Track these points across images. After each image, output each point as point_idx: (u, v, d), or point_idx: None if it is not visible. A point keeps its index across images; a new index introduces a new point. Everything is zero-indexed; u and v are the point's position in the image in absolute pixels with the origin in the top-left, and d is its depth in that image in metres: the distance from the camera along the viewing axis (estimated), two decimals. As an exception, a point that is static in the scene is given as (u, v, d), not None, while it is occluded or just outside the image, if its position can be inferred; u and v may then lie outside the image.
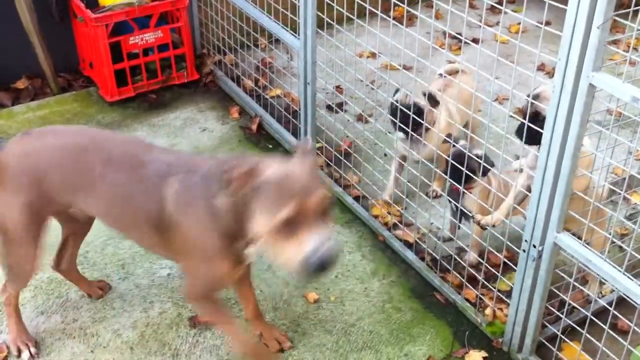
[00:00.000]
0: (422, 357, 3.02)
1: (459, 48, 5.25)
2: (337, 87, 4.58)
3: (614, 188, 2.95)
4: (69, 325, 3.11)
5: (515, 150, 3.35)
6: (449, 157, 3.22)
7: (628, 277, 2.44)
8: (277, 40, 4.44)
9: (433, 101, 3.49)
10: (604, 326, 2.66)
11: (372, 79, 4.41)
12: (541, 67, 4.92)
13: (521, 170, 3.17)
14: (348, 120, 4.08)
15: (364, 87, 4.29)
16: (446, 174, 3.21)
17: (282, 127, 4.38)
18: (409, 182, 3.51)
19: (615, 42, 2.43)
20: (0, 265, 2.83)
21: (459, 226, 3.44)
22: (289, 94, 4.61)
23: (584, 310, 2.81)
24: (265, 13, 4.17)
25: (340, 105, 4.41)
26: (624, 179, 3.49)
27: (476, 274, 3.16)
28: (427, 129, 3.47)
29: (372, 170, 3.79)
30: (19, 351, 2.95)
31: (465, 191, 3.21)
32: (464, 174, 3.05)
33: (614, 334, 2.67)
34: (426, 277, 3.39)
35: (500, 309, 3.14)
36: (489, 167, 3.19)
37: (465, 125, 3.68)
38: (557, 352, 2.88)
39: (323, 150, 4.13)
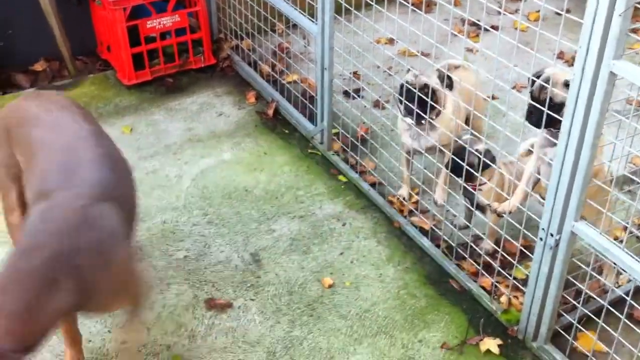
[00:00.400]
0: (436, 344, 3.03)
1: (477, 35, 5.22)
2: (354, 73, 4.57)
3: (634, 177, 2.93)
4: (86, 306, 3.14)
5: (532, 136, 3.33)
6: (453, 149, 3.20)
7: (646, 266, 2.43)
8: (295, 26, 4.44)
9: (448, 82, 3.45)
10: (620, 316, 2.65)
11: (389, 65, 4.40)
12: (560, 55, 4.88)
13: (530, 153, 3.16)
14: (365, 107, 4.07)
15: (381, 73, 4.28)
16: (449, 169, 3.21)
17: (299, 113, 4.39)
18: (425, 168, 3.51)
19: (635, 31, 2.42)
20: None
21: (473, 214, 3.44)
22: (305, 79, 4.61)
23: (600, 300, 2.81)
24: (283, -2, 4.16)
25: (357, 91, 4.41)
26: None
27: (492, 262, 3.16)
28: (437, 114, 3.42)
29: (389, 156, 3.79)
30: None
31: (476, 190, 3.21)
32: (464, 170, 3.04)
33: (630, 324, 2.66)
34: (441, 264, 3.40)
35: (516, 297, 3.14)
36: (489, 162, 3.17)
37: (467, 121, 3.67)
38: (573, 341, 2.87)
39: (339, 136, 4.13)
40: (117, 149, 2.61)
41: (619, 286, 3.16)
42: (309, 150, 4.20)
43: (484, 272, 3.22)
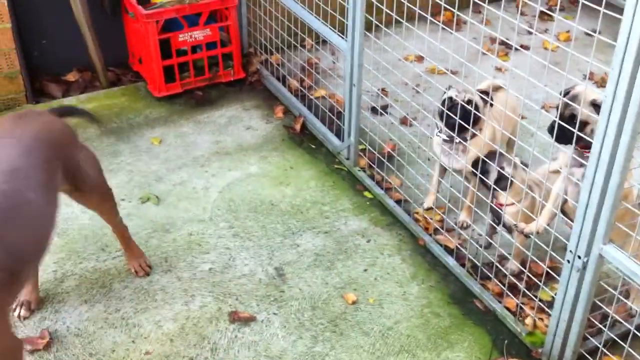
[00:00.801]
0: (459, 364, 3.01)
1: (506, 54, 5.20)
2: (382, 90, 4.58)
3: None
4: (111, 315, 3.16)
5: (561, 159, 3.32)
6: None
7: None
8: (324, 41, 4.46)
9: (488, 101, 3.43)
10: (647, 341, 2.62)
11: (417, 83, 4.40)
12: (590, 77, 4.85)
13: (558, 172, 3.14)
14: (392, 123, 4.08)
15: (409, 90, 4.29)
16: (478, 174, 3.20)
17: (326, 128, 4.40)
18: (451, 187, 3.50)
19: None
20: None
21: (497, 232, 3.42)
22: (333, 95, 4.63)
23: (626, 324, 2.77)
24: (313, 14, 4.20)
25: (384, 107, 4.41)
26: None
27: (517, 283, 3.14)
28: (472, 136, 3.42)
29: (415, 173, 3.79)
30: None
31: (502, 208, 3.20)
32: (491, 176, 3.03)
33: (658, 350, 2.63)
34: (466, 284, 3.38)
35: (541, 319, 3.11)
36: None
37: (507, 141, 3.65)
38: (598, 365, 2.85)
39: (366, 152, 4.14)
40: (31, 195, 2.42)
41: (646, 311, 3.12)
42: (335, 166, 4.21)
43: (508, 293, 3.19)
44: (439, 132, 3.48)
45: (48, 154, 2.57)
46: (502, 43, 5.24)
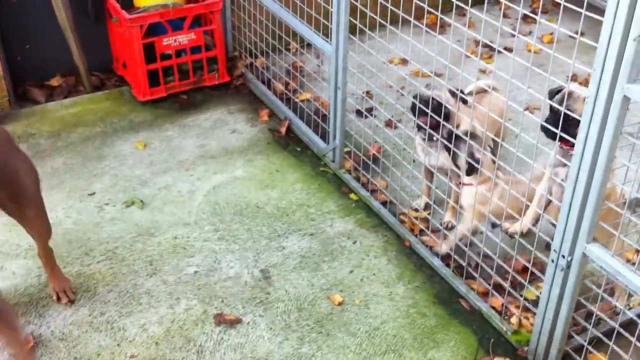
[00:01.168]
0: (445, 364, 3.02)
1: (490, 57, 5.23)
2: (367, 93, 4.60)
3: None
4: (96, 319, 3.15)
5: (545, 160, 3.34)
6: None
7: (658, 289, 2.42)
8: (309, 45, 4.47)
9: (462, 100, 3.45)
10: (631, 338, 2.63)
11: (402, 85, 4.41)
12: (573, 78, 4.89)
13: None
14: (377, 126, 4.09)
15: (393, 92, 4.31)
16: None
17: (311, 131, 4.41)
18: (436, 188, 3.51)
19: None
20: None
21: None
22: (318, 98, 4.64)
23: (611, 322, 2.79)
24: (298, 17, 4.20)
25: (369, 110, 4.43)
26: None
27: (502, 282, 3.15)
28: (449, 133, 3.42)
29: (400, 175, 3.80)
30: None
31: (460, 187, 3.34)
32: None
33: (642, 347, 2.64)
34: (452, 284, 3.39)
35: (526, 318, 3.12)
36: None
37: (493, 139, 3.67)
38: (583, 363, 2.86)
39: (351, 154, 4.14)
40: None
41: (630, 308, 3.14)
42: (321, 169, 4.21)
43: (494, 292, 3.21)
44: (418, 131, 3.51)
45: None
46: (486, 45, 5.27)
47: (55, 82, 4.89)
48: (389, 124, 4.40)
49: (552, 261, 2.78)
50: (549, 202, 3.10)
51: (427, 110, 3.31)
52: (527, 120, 3.20)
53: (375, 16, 3.59)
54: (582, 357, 2.87)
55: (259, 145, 4.41)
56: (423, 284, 3.41)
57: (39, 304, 3.20)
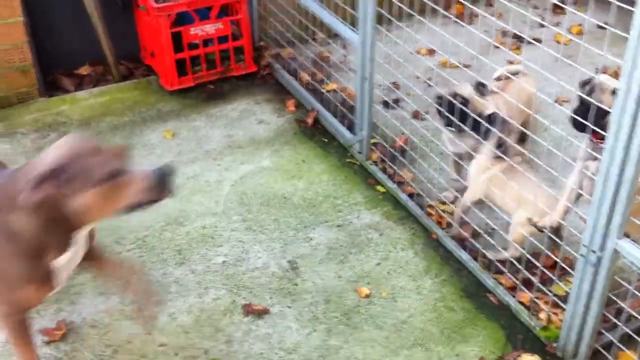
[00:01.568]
0: (473, 358, 3.01)
1: (518, 48, 5.19)
2: (394, 83, 4.58)
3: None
4: (127, 307, 3.18)
5: (574, 153, 3.31)
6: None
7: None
8: (336, 35, 4.46)
9: (481, 91, 3.47)
10: (662, 335, 2.62)
11: (429, 76, 4.40)
12: (603, 70, 4.83)
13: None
14: (404, 117, 4.08)
15: (420, 83, 4.29)
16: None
17: (338, 122, 4.41)
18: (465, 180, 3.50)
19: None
20: None
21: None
22: (345, 88, 4.63)
23: (641, 319, 2.77)
24: (324, 7, 4.19)
25: (396, 101, 4.42)
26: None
27: (531, 277, 3.14)
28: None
29: (427, 167, 3.79)
30: None
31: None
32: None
33: (673, 344, 2.63)
34: (479, 278, 3.38)
35: (555, 314, 3.11)
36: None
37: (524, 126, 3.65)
38: (612, 360, 2.85)
39: (378, 145, 4.14)
40: None
41: (661, 305, 3.11)
42: (347, 160, 4.21)
43: (522, 287, 3.20)
44: (445, 125, 3.56)
45: None
46: (514, 36, 5.23)
47: (84, 71, 4.93)
48: (416, 115, 4.39)
49: (582, 256, 2.76)
50: (579, 195, 3.08)
51: (447, 113, 3.36)
52: (556, 112, 3.19)
53: (402, 5, 3.57)
54: (612, 354, 2.85)
55: (285, 136, 4.42)
56: (450, 278, 3.41)
57: (70, 292, 3.24)
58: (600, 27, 2.64)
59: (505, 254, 3.38)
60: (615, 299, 2.85)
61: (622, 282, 2.79)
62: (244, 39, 4.90)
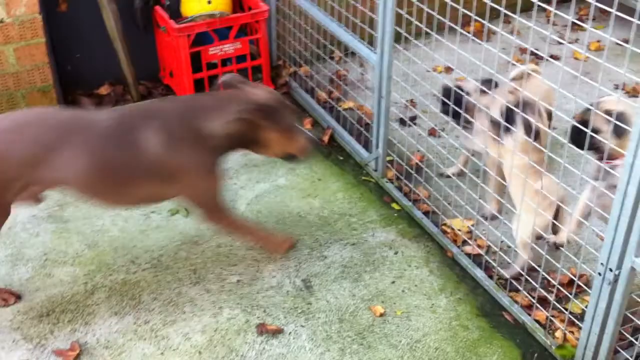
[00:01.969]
0: (488, 377, 2.98)
1: (537, 64, 5.15)
2: (411, 101, 4.58)
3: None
4: (140, 327, 3.19)
5: (591, 169, 3.28)
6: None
7: None
8: (352, 53, 4.48)
9: (487, 86, 3.48)
10: (680, 356, 2.56)
11: (446, 94, 4.37)
12: (622, 87, 4.79)
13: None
14: (420, 134, 4.07)
15: (437, 101, 4.27)
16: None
17: (354, 140, 4.41)
18: (480, 198, 3.47)
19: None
20: None
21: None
22: (361, 106, 4.63)
23: (659, 338, 2.72)
24: (342, 26, 4.21)
25: (412, 118, 4.41)
26: None
27: (547, 295, 3.10)
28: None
29: (443, 185, 3.77)
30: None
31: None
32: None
33: (691, 365, 2.57)
34: (495, 296, 3.34)
35: (572, 332, 3.07)
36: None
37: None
38: (630, 380, 2.79)
39: (394, 163, 4.13)
40: None
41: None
42: (363, 178, 4.20)
43: (538, 306, 3.15)
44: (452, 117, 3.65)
45: None
46: (533, 54, 5.20)
47: (103, 90, 4.99)
48: (432, 132, 4.38)
49: (599, 274, 2.72)
50: (589, 212, 3.04)
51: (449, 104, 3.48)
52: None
53: (420, 25, 3.57)
54: (629, 373, 2.80)
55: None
56: (466, 296, 3.38)
57: (85, 312, 3.26)
58: (619, 44, 2.61)
59: (516, 267, 3.34)
60: (632, 317, 2.80)
61: (639, 300, 2.74)
62: (262, 58, 4.93)
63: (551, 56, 4.88)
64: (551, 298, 3.07)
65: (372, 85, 4.04)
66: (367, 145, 4.27)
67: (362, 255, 3.61)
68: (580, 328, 2.93)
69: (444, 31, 3.36)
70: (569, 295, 3.01)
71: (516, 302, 3.28)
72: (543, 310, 3.14)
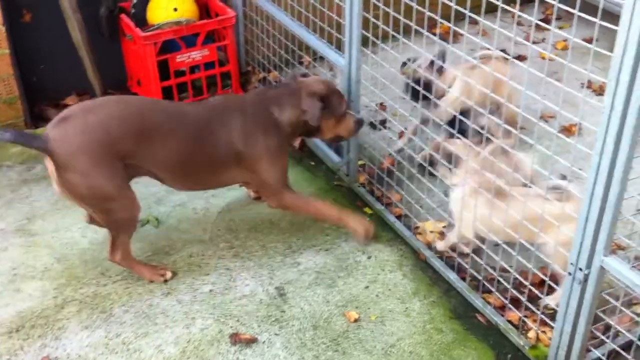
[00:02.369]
0: (463, 380, 2.98)
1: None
2: (380, 104, 4.58)
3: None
4: (112, 341, 3.15)
5: (561, 169, 3.30)
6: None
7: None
8: (322, 58, 4.46)
9: (438, 69, 3.71)
10: (651, 352, 2.59)
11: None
12: (588, 85, 4.83)
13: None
14: (390, 138, 4.07)
15: (407, 103, 4.28)
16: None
17: (325, 145, 4.39)
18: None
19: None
20: (110, 229, 3.31)
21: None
22: (332, 111, 4.61)
23: (629, 335, 2.75)
24: (310, 31, 4.20)
25: (383, 122, 4.40)
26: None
27: (519, 296, 3.11)
28: (441, 95, 3.75)
29: (415, 188, 3.77)
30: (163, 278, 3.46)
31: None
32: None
33: (662, 361, 2.60)
34: (468, 298, 3.35)
35: (544, 332, 3.08)
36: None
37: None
38: (602, 378, 2.81)
39: (365, 167, 4.12)
40: None
41: (650, 321, 3.09)
42: (335, 183, 4.20)
43: (511, 307, 3.17)
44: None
45: None
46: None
47: (70, 101, 4.92)
48: (402, 135, 4.38)
49: (569, 274, 2.74)
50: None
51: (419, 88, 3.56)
52: (541, 129, 3.18)
53: (387, 28, 3.57)
54: (602, 371, 2.82)
55: (273, 160, 4.39)
56: (439, 299, 3.38)
57: (55, 326, 3.21)
58: (585, 41, 2.62)
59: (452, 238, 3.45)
60: (602, 315, 2.82)
61: (609, 298, 2.76)
62: (231, 64, 4.91)
63: (519, 56, 4.91)
64: (523, 299, 3.09)
65: (341, 90, 4.03)
66: (338, 150, 4.27)
67: (336, 261, 3.60)
68: (552, 328, 2.95)
69: (411, 34, 3.36)
70: (541, 296, 3.02)
71: (489, 303, 3.29)
72: (516, 311, 3.16)
